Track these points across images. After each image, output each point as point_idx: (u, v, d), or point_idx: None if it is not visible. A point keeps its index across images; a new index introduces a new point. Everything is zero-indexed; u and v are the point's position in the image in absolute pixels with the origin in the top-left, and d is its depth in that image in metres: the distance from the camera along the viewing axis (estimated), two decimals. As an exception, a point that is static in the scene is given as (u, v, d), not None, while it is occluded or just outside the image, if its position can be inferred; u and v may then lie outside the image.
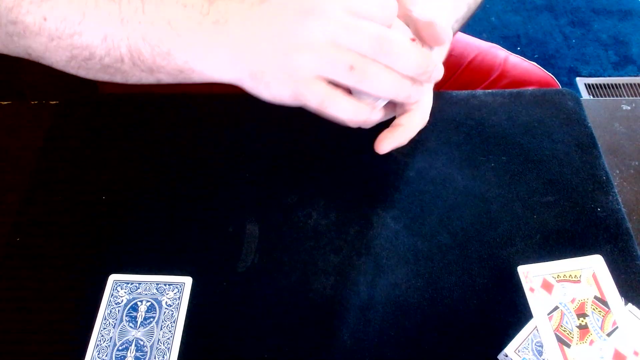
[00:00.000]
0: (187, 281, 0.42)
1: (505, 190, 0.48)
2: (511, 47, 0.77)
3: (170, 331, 0.40)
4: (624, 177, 0.50)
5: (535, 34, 1.86)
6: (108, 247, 0.45)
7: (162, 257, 0.44)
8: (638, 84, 1.70)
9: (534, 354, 0.38)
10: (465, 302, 0.42)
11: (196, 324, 0.41)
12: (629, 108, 0.56)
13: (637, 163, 0.51)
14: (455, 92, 0.56)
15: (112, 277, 0.42)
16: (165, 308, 0.41)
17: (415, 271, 0.44)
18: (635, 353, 0.38)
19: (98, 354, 0.39)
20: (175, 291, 0.42)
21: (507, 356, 0.39)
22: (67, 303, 0.42)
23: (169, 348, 0.39)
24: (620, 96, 1.67)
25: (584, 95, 1.66)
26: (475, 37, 0.79)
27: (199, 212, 0.47)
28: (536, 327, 0.39)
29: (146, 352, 0.39)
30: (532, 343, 0.39)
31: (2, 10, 0.45)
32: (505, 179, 0.49)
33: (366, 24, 0.40)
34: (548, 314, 0.40)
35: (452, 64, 0.73)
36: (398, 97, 0.42)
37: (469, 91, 0.57)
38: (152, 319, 0.40)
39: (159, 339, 0.40)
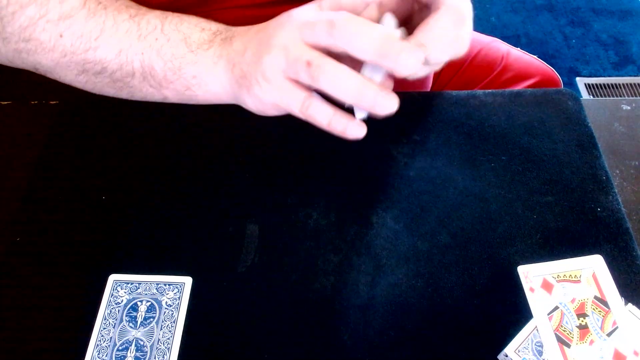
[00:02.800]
0: (187, 281, 0.42)
1: (505, 190, 0.48)
2: (510, 45, 0.78)
3: (170, 331, 0.40)
4: (624, 177, 0.50)
5: (535, 34, 1.86)
6: (108, 247, 0.45)
7: (162, 257, 0.44)
8: (638, 84, 1.70)
9: (534, 354, 0.38)
10: (465, 302, 0.42)
11: (196, 324, 0.41)
12: (629, 108, 0.56)
13: (637, 163, 0.51)
14: (455, 92, 0.56)
15: (112, 277, 0.42)
16: (165, 308, 0.41)
17: (415, 271, 0.44)
18: (635, 353, 0.38)
19: (98, 354, 0.39)
20: (175, 291, 0.42)
21: (507, 356, 0.39)
22: (67, 303, 0.42)
23: (169, 348, 0.39)
24: (620, 96, 1.67)
25: (584, 95, 1.66)
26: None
27: (199, 212, 0.47)
28: (536, 327, 0.39)
29: (146, 352, 0.39)
30: (532, 343, 0.39)
31: (16, 29, 0.46)
32: (505, 179, 0.49)
33: (324, 15, 0.40)
34: (548, 314, 0.40)
35: (457, 60, 0.74)
36: (357, 99, 0.39)
37: (469, 91, 0.57)
38: (152, 319, 0.40)
39: (159, 339, 0.40)
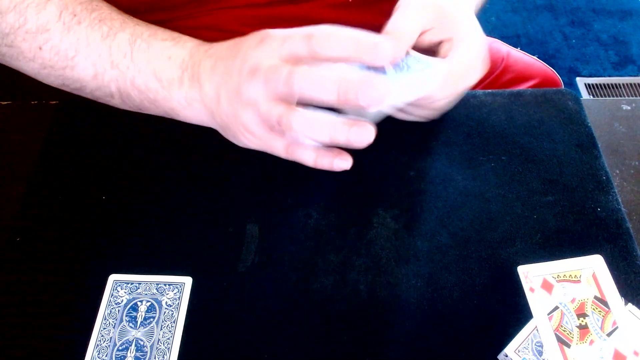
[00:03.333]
0: (187, 281, 0.42)
1: (505, 190, 0.48)
2: (511, 46, 0.77)
3: (170, 331, 0.40)
4: (624, 177, 0.50)
5: (535, 34, 1.86)
6: (108, 247, 0.45)
7: (162, 257, 0.44)
8: (638, 84, 1.70)
9: (534, 354, 0.38)
10: (465, 302, 0.42)
11: (196, 324, 0.41)
12: (629, 108, 0.56)
13: (637, 163, 0.51)
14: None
15: (112, 277, 0.42)
16: (165, 308, 0.41)
17: (415, 271, 0.44)
18: (635, 353, 0.38)
19: (98, 354, 0.39)
20: (175, 291, 0.42)
21: (507, 356, 0.39)
22: (67, 303, 0.42)
23: (169, 348, 0.39)
24: (620, 96, 1.67)
25: (584, 95, 1.66)
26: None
27: (199, 212, 0.47)
28: (536, 327, 0.39)
29: (146, 352, 0.39)
30: (532, 343, 0.39)
31: None
32: (505, 179, 0.49)
33: (282, 68, 0.39)
34: (548, 314, 0.40)
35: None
36: (335, 142, 0.40)
37: (469, 91, 0.56)
38: (152, 319, 0.41)
39: (159, 339, 0.40)
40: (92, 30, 0.45)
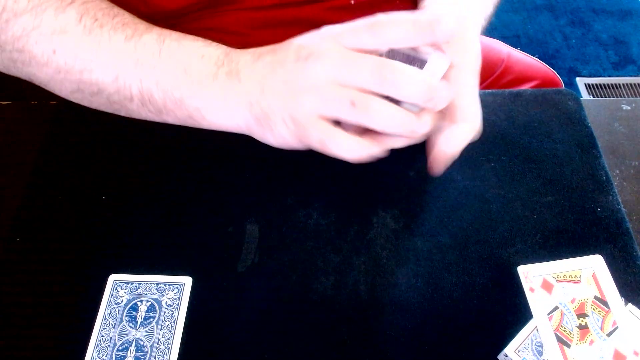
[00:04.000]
0: (187, 281, 0.42)
1: (505, 190, 0.48)
2: (511, 47, 0.77)
3: (170, 331, 0.40)
4: (624, 177, 0.50)
5: (535, 34, 1.86)
6: (108, 247, 0.45)
7: (162, 257, 0.44)
8: (638, 84, 1.70)
9: (534, 354, 0.38)
10: (465, 302, 0.42)
11: (196, 324, 0.41)
12: (629, 108, 0.56)
13: (637, 163, 0.51)
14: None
15: (112, 277, 0.42)
16: (165, 308, 0.41)
17: (415, 271, 0.44)
18: (635, 353, 0.38)
19: (98, 354, 0.39)
20: (175, 291, 0.42)
21: (507, 356, 0.39)
22: (67, 303, 0.42)
23: (169, 348, 0.39)
24: (620, 96, 1.67)
25: (584, 95, 1.66)
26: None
27: (199, 212, 0.47)
28: (536, 327, 0.39)
29: (146, 352, 0.39)
30: (532, 343, 0.39)
31: (9, 38, 0.44)
32: (505, 179, 0.49)
33: (364, 58, 0.40)
34: (548, 314, 0.40)
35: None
36: (403, 132, 0.41)
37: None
38: (152, 319, 0.41)
39: (159, 339, 0.40)
40: (115, 33, 0.44)
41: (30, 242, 0.45)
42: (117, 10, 0.46)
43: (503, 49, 0.75)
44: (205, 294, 0.42)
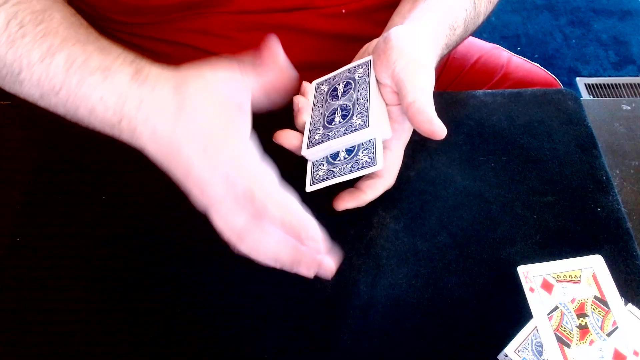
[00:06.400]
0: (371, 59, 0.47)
1: (505, 190, 0.48)
2: (511, 47, 0.77)
3: (365, 89, 0.45)
4: (624, 177, 0.50)
5: (535, 34, 1.86)
6: (108, 247, 0.45)
7: (161, 257, 0.44)
8: (638, 84, 1.70)
9: (534, 354, 0.38)
10: (465, 302, 0.42)
11: (196, 325, 0.41)
12: (629, 108, 0.56)
13: (637, 163, 0.51)
14: (455, 92, 0.56)
15: (315, 82, 0.50)
16: (358, 78, 0.47)
17: (415, 271, 0.44)
18: (635, 353, 0.38)
19: (313, 127, 0.46)
20: (364, 68, 0.47)
21: (507, 356, 0.39)
22: (67, 303, 0.42)
23: (367, 100, 0.44)
24: (620, 96, 1.67)
25: (584, 95, 1.66)
26: (476, 37, 0.78)
27: (198, 212, 0.47)
28: (536, 327, 0.39)
29: (349, 109, 0.45)
30: (532, 343, 0.39)
31: None
32: (505, 179, 0.49)
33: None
34: (548, 314, 0.40)
35: (456, 65, 0.73)
36: (282, 265, 0.39)
37: (469, 91, 0.57)
38: (349, 89, 0.47)
39: (357, 98, 0.45)
40: (33, 48, 0.42)
41: (30, 242, 0.45)
42: (49, 12, 0.44)
43: (503, 55, 0.75)
44: (205, 294, 0.42)
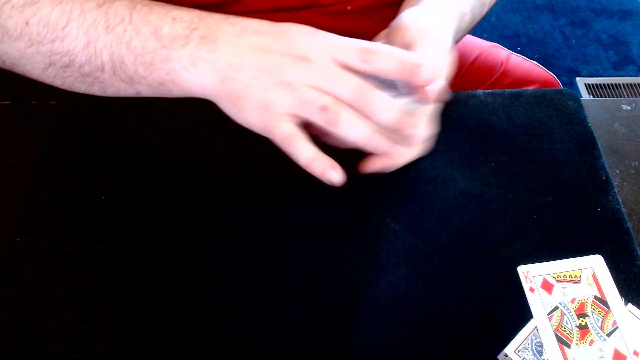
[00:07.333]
0: None
1: (505, 190, 0.48)
2: (511, 47, 0.76)
3: None
4: (624, 177, 0.50)
5: (535, 34, 1.86)
6: (108, 248, 0.45)
7: (162, 257, 0.44)
8: (638, 84, 1.70)
9: (534, 354, 0.38)
10: (465, 302, 0.42)
11: (196, 325, 0.41)
12: (629, 108, 0.56)
13: (637, 163, 0.51)
14: (455, 92, 0.56)
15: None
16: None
17: (415, 271, 0.44)
18: (635, 353, 0.38)
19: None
20: None
21: (507, 356, 0.38)
22: (67, 304, 0.42)
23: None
24: (620, 96, 1.67)
25: (584, 95, 1.66)
26: (476, 37, 0.79)
27: (199, 212, 0.47)
28: (536, 327, 0.39)
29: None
30: (532, 343, 0.39)
31: None
32: (505, 179, 0.49)
33: (349, 76, 0.41)
34: (548, 314, 0.40)
35: (454, 64, 0.73)
36: (366, 147, 0.43)
37: (469, 91, 0.57)
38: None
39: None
40: (87, 1, 0.44)
41: (30, 242, 0.45)
42: None
43: (502, 53, 0.75)
44: (206, 294, 0.42)
